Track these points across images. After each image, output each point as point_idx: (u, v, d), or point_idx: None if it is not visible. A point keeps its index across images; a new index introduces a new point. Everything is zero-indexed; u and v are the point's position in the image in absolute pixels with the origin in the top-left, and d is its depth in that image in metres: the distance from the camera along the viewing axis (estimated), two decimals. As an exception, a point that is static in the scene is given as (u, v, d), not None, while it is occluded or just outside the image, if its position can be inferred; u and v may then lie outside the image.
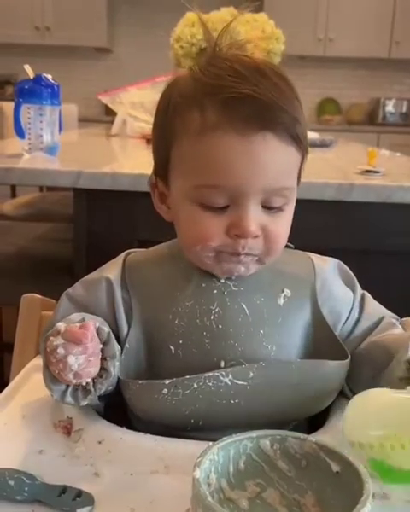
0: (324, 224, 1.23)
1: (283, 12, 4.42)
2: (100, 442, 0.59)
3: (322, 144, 2.33)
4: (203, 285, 0.63)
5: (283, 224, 0.60)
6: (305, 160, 0.61)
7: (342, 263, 0.70)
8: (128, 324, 0.64)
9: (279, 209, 0.59)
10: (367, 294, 0.70)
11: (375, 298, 0.70)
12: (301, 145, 0.58)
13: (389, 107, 5.19)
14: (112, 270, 0.66)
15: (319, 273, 0.67)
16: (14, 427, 0.63)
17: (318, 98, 5.34)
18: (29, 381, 0.73)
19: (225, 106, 0.54)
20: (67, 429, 0.62)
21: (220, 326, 0.62)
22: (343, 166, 1.64)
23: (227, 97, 0.54)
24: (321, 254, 0.70)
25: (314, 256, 0.69)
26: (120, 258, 0.68)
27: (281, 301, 0.64)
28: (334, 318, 0.67)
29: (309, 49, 4.89)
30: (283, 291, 0.64)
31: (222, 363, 0.61)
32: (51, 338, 0.55)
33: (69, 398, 0.59)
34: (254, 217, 0.57)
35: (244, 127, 0.54)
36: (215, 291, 0.63)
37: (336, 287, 0.68)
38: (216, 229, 0.57)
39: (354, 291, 0.69)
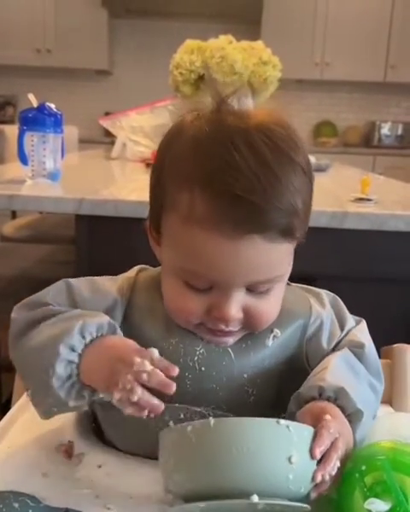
0: (317, 251, 1.24)
1: (280, 37, 4.51)
2: (100, 466, 0.61)
3: (318, 169, 2.36)
4: None
5: (268, 303, 0.59)
6: (302, 240, 0.58)
7: (338, 299, 0.69)
8: None
9: (266, 292, 0.58)
10: (354, 329, 0.68)
11: (367, 324, 0.70)
12: (295, 235, 0.55)
13: (385, 130, 5.24)
14: (122, 288, 0.64)
15: (313, 316, 0.66)
16: (17, 450, 0.64)
17: (315, 121, 5.39)
18: (31, 405, 0.74)
19: (214, 203, 0.52)
20: (68, 453, 0.63)
21: (203, 368, 0.61)
22: (338, 193, 1.66)
23: (217, 193, 0.51)
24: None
25: (312, 296, 0.68)
26: (132, 274, 0.66)
27: (270, 342, 0.63)
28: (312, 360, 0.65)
29: (306, 73, 4.96)
30: (272, 331, 0.63)
31: (200, 408, 0.61)
32: (138, 359, 0.51)
33: (62, 393, 0.55)
34: (237, 301, 0.56)
35: (232, 231, 0.52)
36: None
37: (325, 335, 0.66)
38: (197, 307, 0.57)
39: (342, 329, 0.67)
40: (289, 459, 0.47)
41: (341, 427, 0.53)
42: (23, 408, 0.73)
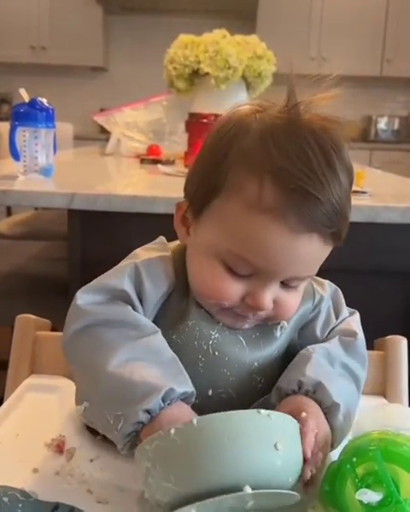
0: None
1: (276, 32, 4.51)
2: (92, 460, 0.61)
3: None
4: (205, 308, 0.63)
5: (294, 298, 0.61)
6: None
7: (338, 291, 0.71)
8: None
9: (295, 287, 0.60)
10: (348, 319, 0.70)
11: (361, 316, 0.71)
12: (339, 241, 0.58)
13: (382, 125, 5.25)
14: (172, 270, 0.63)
15: (315, 302, 0.67)
16: (8, 445, 0.64)
17: (311, 116, 5.39)
18: (23, 400, 0.74)
19: (286, 197, 0.53)
20: (60, 447, 0.63)
21: (217, 353, 0.62)
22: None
23: (290, 187, 0.53)
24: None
25: (316, 284, 0.69)
26: (168, 252, 0.64)
27: (278, 333, 0.65)
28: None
29: (302, 68, 4.95)
30: (279, 322, 0.64)
31: (210, 392, 0.62)
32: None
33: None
34: (272, 292, 0.58)
35: (297, 225, 0.53)
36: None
37: (320, 324, 0.68)
38: (233, 293, 0.58)
39: (336, 318, 0.69)
40: (275, 446, 0.47)
41: (318, 421, 0.56)
42: (14, 404, 0.73)
